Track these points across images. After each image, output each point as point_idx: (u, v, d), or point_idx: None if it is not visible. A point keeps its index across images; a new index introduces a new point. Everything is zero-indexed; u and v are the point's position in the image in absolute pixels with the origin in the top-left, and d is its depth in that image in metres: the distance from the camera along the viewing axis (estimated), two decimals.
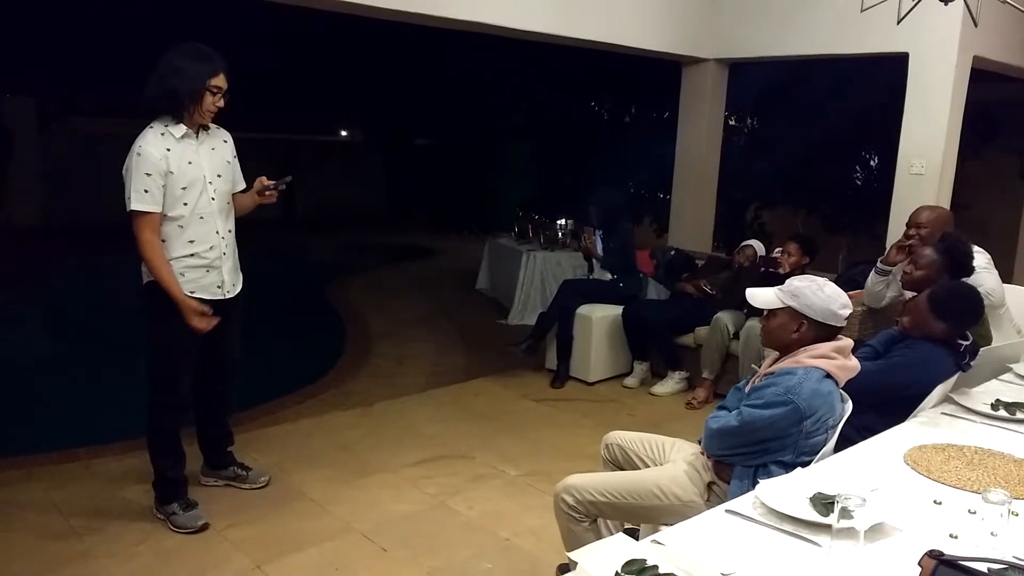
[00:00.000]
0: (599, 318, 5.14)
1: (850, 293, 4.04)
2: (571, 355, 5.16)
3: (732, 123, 9.07)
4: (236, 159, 3.20)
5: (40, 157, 11.33)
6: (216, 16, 8.59)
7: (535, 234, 7.12)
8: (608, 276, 5.42)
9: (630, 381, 5.15)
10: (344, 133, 18.10)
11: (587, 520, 2.42)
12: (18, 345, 6.23)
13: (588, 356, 5.13)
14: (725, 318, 4.80)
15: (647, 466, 2.58)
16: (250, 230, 3.68)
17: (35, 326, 7.12)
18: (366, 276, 8.85)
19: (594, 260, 5.55)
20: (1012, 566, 1.52)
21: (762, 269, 4.85)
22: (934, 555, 1.39)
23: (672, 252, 5.90)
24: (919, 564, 1.40)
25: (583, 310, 5.17)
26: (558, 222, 7.04)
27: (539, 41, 5.35)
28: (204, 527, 3.08)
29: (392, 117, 14.20)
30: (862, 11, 3.47)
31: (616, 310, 5.20)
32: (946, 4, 3.35)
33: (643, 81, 8.58)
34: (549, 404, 4.79)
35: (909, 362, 2.70)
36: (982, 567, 1.49)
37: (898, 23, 3.47)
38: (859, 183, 8.72)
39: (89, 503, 3.27)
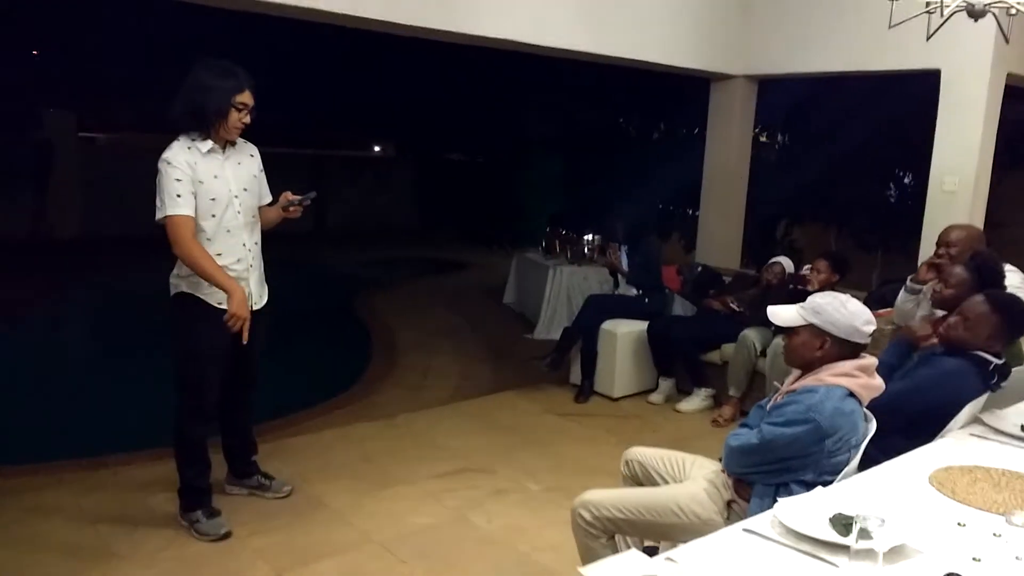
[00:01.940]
0: (624, 333, 5.12)
1: (880, 311, 4.01)
2: (595, 370, 5.14)
3: (763, 139, 9.01)
4: (263, 173, 3.25)
5: (80, 170, 11.61)
6: (250, 33, 8.77)
7: (562, 249, 7.13)
8: (634, 291, 5.40)
9: (655, 397, 5.11)
10: (377, 148, 18.33)
11: (604, 536, 2.40)
12: (54, 354, 6.37)
13: (612, 371, 5.11)
14: (752, 335, 4.76)
15: (667, 483, 2.55)
16: (280, 243, 3.74)
17: (71, 336, 7.28)
18: (395, 289, 8.92)
19: (619, 275, 5.53)
20: None
21: (790, 286, 4.81)
22: None
23: (699, 268, 5.86)
24: None
25: (608, 325, 5.16)
26: (585, 237, 7.04)
27: (569, 58, 5.37)
28: (227, 535, 3.11)
29: (424, 132, 14.36)
30: (891, 27, 3.44)
31: (641, 326, 5.18)
32: (976, 20, 3.31)
33: (673, 97, 8.56)
34: (572, 419, 4.77)
35: (935, 381, 2.64)
36: None
37: (927, 39, 3.43)
38: (892, 200, 8.60)
39: (116, 509, 3.33)
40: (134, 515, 3.28)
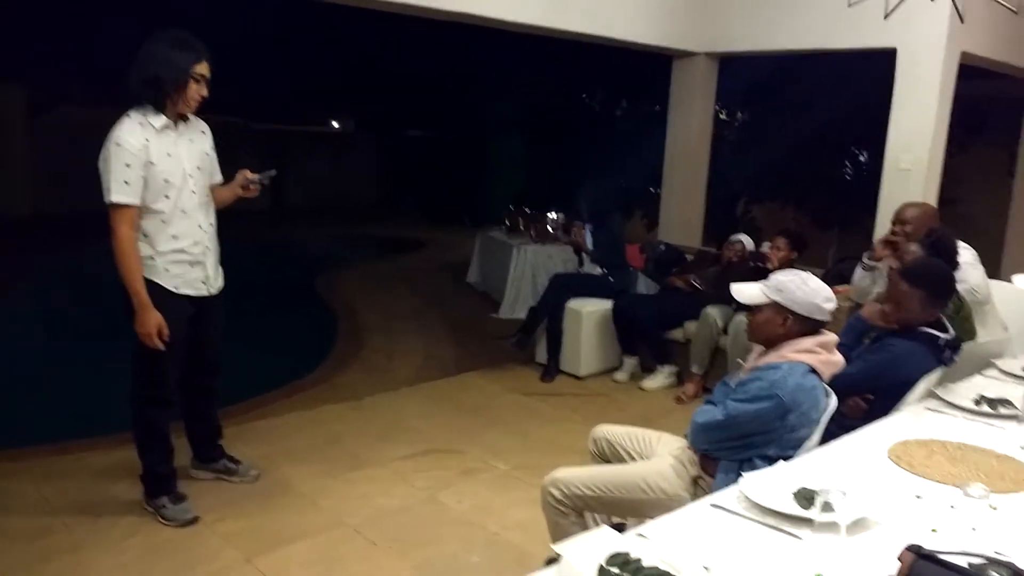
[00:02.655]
0: (589, 312, 5.16)
1: (837, 288, 4.09)
2: (561, 349, 5.18)
3: (723, 117, 9.07)
4: (214, 151, 3.16)
5: (30, 146, 11.26)
6: (208, 5, 8.56)
7: (526, 228, 7.14)
8: (598, 270, 5.43)
9: (620, 375, 5.17)
10: (336, 124, 18.06)
11: (573, 513, 2.44)
12: (8, 338, 6.21)
13: (578, 350, 5.15)
14: (714, 313, 4.83)
15: (634, 460, 2.60)
16: (238, 221, 3.66)
17: (25, 319, 7.09)
18: (357, 268, 8.85)
19: (584, 254, 5.56)
20: (991, 560, 1.54)
21: (751, 264, 4.88)
22: (913, 549, 1.41)
23: (662, 247, 5.92)
24: (898, 559, 1.42)
25: (573, 304, 5.19)
26: (549, 215, 7.06)
27: (530, 34, 5.34)
28: (194, 520, 3.09)
29: (384, 108, 14.18)
30: (850, 5, 3.51)
31: (606, 304, 5.22)
32: (933, 0, 3.38)
33: (635, 75, 8.57)
34: (539, 398, 4.81)
35: (889, 362, 2.72)
36: (962, 561, 1.51)
37: (885, 18, 3.50)
38: (849, 178, 8.75)
39: (79, 496, 3.28)
40: (98, 502, 3.23)
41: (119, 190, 2.81)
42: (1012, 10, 3.39)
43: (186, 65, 2.88)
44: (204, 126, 3.14)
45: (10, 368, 5.24)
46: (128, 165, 2.82)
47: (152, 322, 2.89)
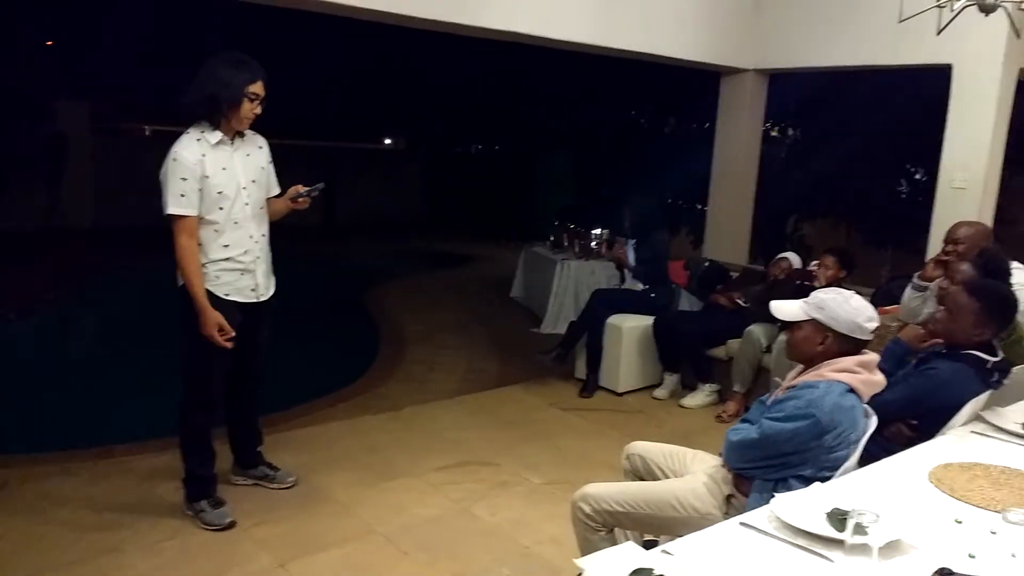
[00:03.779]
0: (629, 328, 5.12)
1: (886, 308, 3.99)
2: (601, 365, 5.15)
3: (773, 134, 8.96)
4: (271, 164, 3.27)
5: (93, 160, 11.68)
6: (262, 26, 8.80)
7: (570, 243, 7.13)
8: (640, 286, 5.39)
9: (660, 392, 5.11)
10: (388, 141, 18.35)
11: (604, 529, 2.41)
12: (65, 344, 6.43)
13: (618, 366, 5.11)
14: (758, 331, 4.75)
15: (667, 477, 2.56)
16: (290, 236, 3.74)
17: (82, 326, 7.34)
18: (404, 282, 8.94)
19: (626, 270, 5.53)
20: None
21: (797, 282, 4.78)
22: (944, 572, 1.37)
23: (706, 263, 5.85)
24: None
25: (613, 320, 5.16)
26: (593, 232, 7.04)
27: (578, 51, 5.37)
28: (231, 525, 3.14)
29: (434, 126, 14.37)
30: (900, 21, 3.43)
31: (647, 320, 5.18)
32: (986, 15, 3.29)
33: (683, 91, 8.54)
34: (577, 413, 4.78)
35: (934, 386, 2.62)
36: None
37: (938, 34, 3.41)
38: (904, 196, 8.55)
39: (122, 498, 3.36)
40: (140, 504, 3.31)
41: (176, 203, 2.94)
42: None
43: (241, 84, 2.98)
44: (262, 141, 3.25)
45: (67, 373, 5.43)
46: (184, 179, 2.94)
47: (212, 321, 3.00)
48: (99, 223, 11.41)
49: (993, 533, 1.76)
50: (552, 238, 7.40)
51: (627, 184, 8.69)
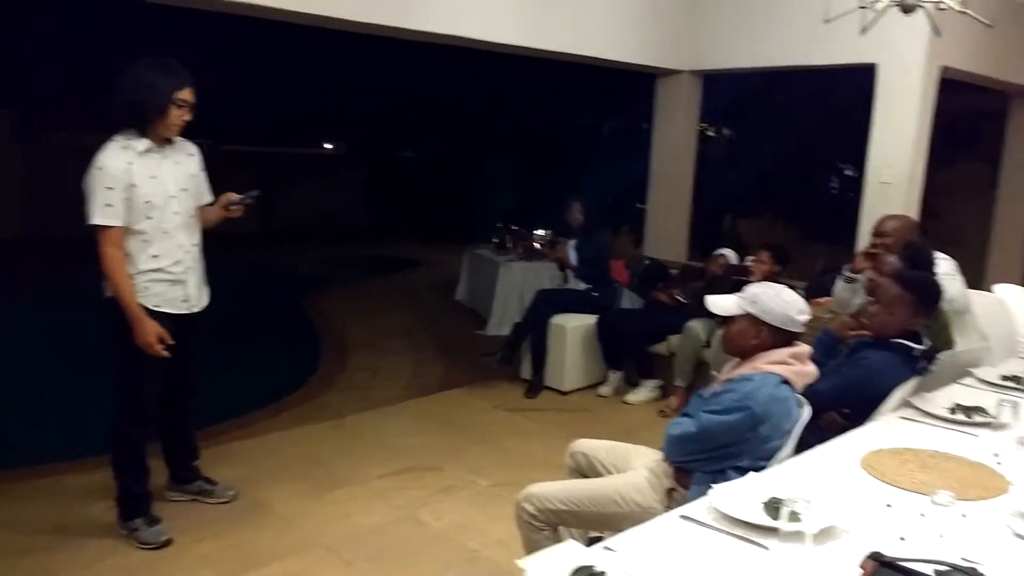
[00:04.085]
0: (573, 327, 5.15)
1: (818, 300, 4.09)
2: (545, 365, 5.16)
3: (709, 134, 9.13)
4: (203, 172, 3.19)
5: (20, 170, 11.27)
6: (196, 31, 8.59)
7: (514, 245, 7.14)
8: (582, 286, 5.43)
9: (604, 390, 5.16)
10: (328, 146, 18.11)
11: (548, 529, 2.42)
12: None
13: (562, 365, 5.13)
14: (697, 326, 4.82)
15: (610, 473, 2.58)
16: (226, 244, 3.66)
17: (9, 340, 7.04)
18: (345, 288, 8.83)
19: (568, 270, 5.56)
20: (957, 567, 1.52)
21: (734, 278, 4.87)
22: (875, 557, 1.40)
23: (647, 262, 5.93)
24: (860, 566, 1.41)
25: (557, 320, 5.18)
26: (536, 233, 7.06)
27: (516, 54, 5.38)
28: (168, 543, 3.05)
29: (375, 130, 14.25)
30: (825, 22, 3.52)
31: (590, 319, 5.21)
32: (907, 14, 3.40)
33: (622, 93, 8.64)
34: (522, 414, 4.79)
35: (864, 375, 2.70)
36: (927, 569, 1.50)
37: (861, 34, 3.52)
38: (835, 192, 8.80)
39: (54, 519, 3.24)
40: (73, 525, 3.19)
41: (101, 213, 2.85)
42: (987, 24, 3.42)
43: (168, 90, 2.91)
44: (192, 148, 3.17)
45: None
46: (110, 188, 2.84)
47: (151, 331, 2.92)
48: (27, 233, 11.00)
49: (922, 515, 1.81)
50: (495, 240, 7.40)
51: (568, 185, 8.74)
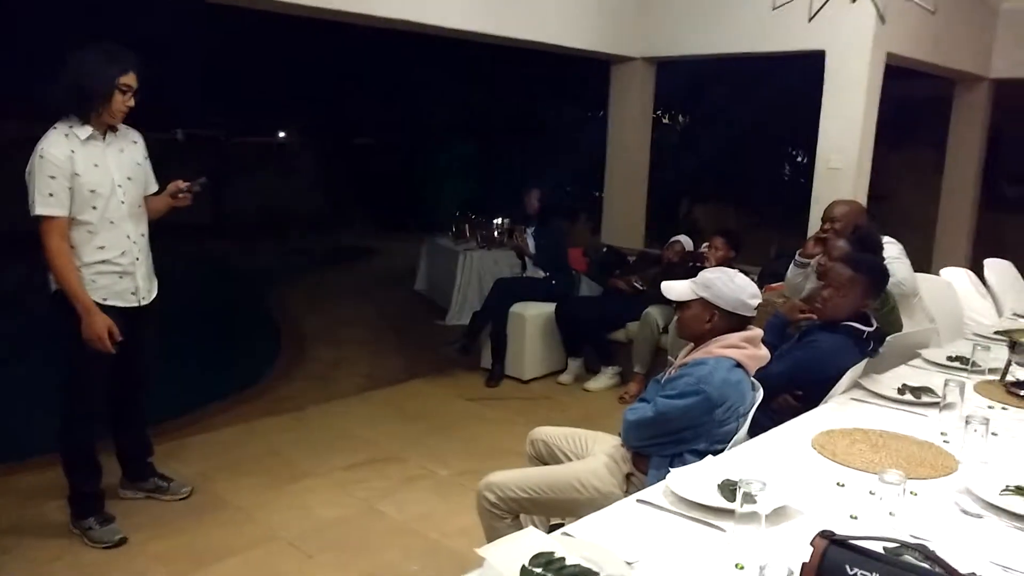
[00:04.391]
0: (532, 316, 5.16)
1: (771, 285, 4.16)
2: (506, 354, 5.17)
3: (664, 121, 9.21)
4: (148, 160, 3.11)
5: None
6: (147, 15, 8.38)
7: (472, 234, 7.12)
8: (541, 274, 5.44)
9: (564, 378, 5.19)
10: (281, 134, 17.82)
11: (510, 517, 2.43)
12: None
13: (523, 354, 5.15)
14: (655, 313, 4.87)
15: (570, 460, 2.59)
16: (177, 234, 3.58)
17: None
18: (303, 279, 8.73)
19: (527, 258, 5.57)
20: (906, 544, 1.56)
21: (690, 264, 4.93)
22: (826, 535, 1.43)
23: (604, 249, 5.97)
24: (811, 544, 1.43)
25: (516, 308, 5.19)
26: (494, 221, 7.05)
27: (471, 40, 5.35)
28: (122, 541, 2.99)
29: (330, 117, 14.06)
30: (774, 9, 3.56)
31: (549, 308, 5.23)
32: (853, 1, 3.46)
33: (578, 80, 8.66)
34: (483, 403, 4.80)
35: (815, 358, 2.75)
36: (876, 546, 1.53)
37: (809, 21, 3.57)
38: (787, 178, 8.95)
39: (4, 520, 3.16)
40: (23, 525, 3.12)
41: (44, 203, 2.77)
42: (929, 10, 3.49)
43: (112, 76, 2.84)
44: (136, 135, 3.09)
45: None
46: (52, 177, 2.77)
47: (101, 323, 2.85)
48: None
49: (872, 494, 1.85)
50: (454, 229, 7.37)
51: (525, 173, 8.75)
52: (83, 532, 3.00)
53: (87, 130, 2.86)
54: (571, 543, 1.65)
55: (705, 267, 4.59)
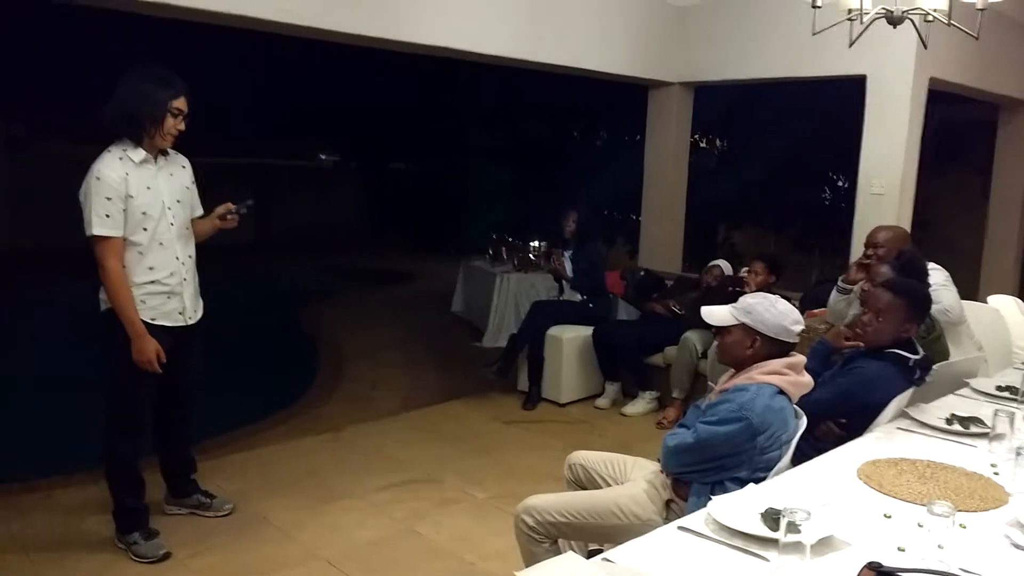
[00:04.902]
0: (569, 339, 5.16)
1: (813, 311, 4.11)
2: (542, 376, 5.17)
3: (702, 145, 9.18)
4: (195, 184, 3.20)
5: (8, 181, 11.26)
6: (189, 43, 8.60)
7: (509, 256, 7.15)
8: (578, 297, 5.44)
9: (601, 402, 5.16)
10: (323, 157, 18.13)
11: (548, 541, 2.42)
12: None
13: (559, 377, 5.14)
14: (693, 337, 4.84)
15: (609, 485, 2.58)
16: (223, 255, 3.65)
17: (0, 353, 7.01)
18: (341, 300, 8.83)
19: (564, 281, 5.57)
20: None
21: (729, 288, 4.90)
22: (873, 566, 1.41)
23: (642, 272, 5.95)
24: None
25: (553, 331, 5.19)
26: (531, 244, 7.08)
27: (508, 66, 5.41)
28: (166, 556, 3.04)
29: (370, 141, 14.28)
30: (814, 34, 3.55)
31: (586, 331, 5.22)
32: (894, 27, 3.44)
33: (616, 104, 8.69)
34: (520, 426, 4.79)
35: (860, 385, 2.70)
36: None
37: (850, 46, 3.56)
38: (828, 203, 8.85)
39: (49, 534, 3.22)
40: (68, 539, 3.18)
41: (100, 223, 2.85)
42: (973, 36, 3.45)
43: (163, 100, 2.92)
44: (184, 160, 3.18)
45: None
46: (108, 198, 2.85)
47: (151, 348, 2.93)
48: (15, 245, 10.97)
49: (920, 526, 1.82)
50: (490, 251, 7.41)
51: (562, 197, 8.78)
52: (128, 547, 3.05)
53: (140, 153, 2.94)
54: (612, 569, 1.64)
55: (744, 292, 4.55)
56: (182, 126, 3.01)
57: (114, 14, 3.91)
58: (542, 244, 6.97)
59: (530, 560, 2.41)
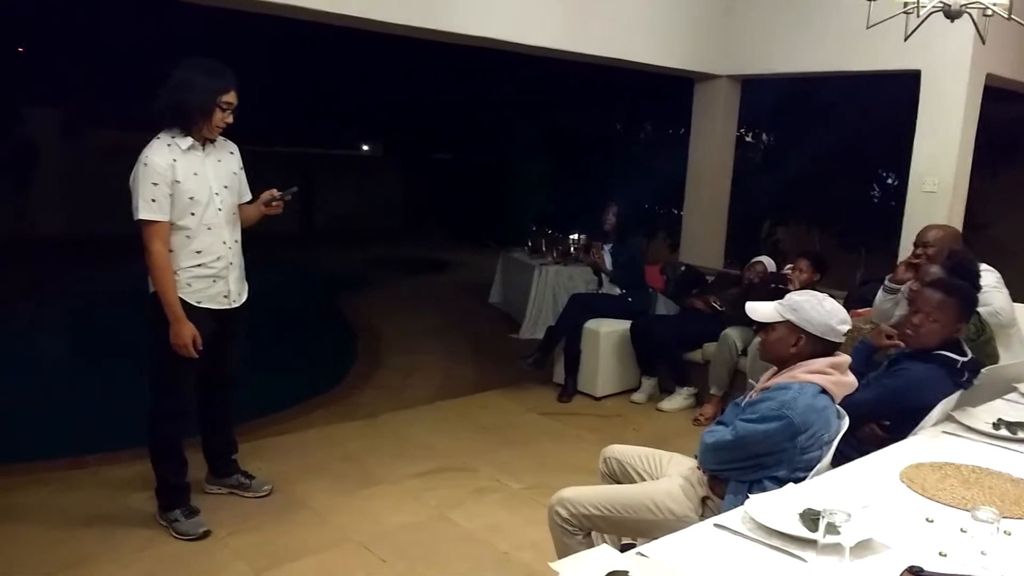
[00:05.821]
0: (607, 332, 5.13)
1: (858, 311, 4.03)
2: (579, 369, 5.16)
3: (747, 139, 9.04)
4: (243, 171, 3.25)
5: (64, 168, 11.55)
6: (237, 32, 8.74)
7: (548, 248, 7.14)
8: (617, 291, 5.41)
9: (638, 396, 5.13)
10: (365, 147, 18.29)
11: (581, 533, 2.41)
12: (35, 353, 6.33)
13: (596, 371, 5.12)
14: (733, 334, 4.78)
15: (644, 480, 2.57)
16: (267, 242, 3.71)
17: (52, 334, 7.22)
18: (381, 289, 8.91)
19: (603, 275, 5.55)
20: None
21: (772, 285, 4.82)
22: (914, 570, 1.38)
23: (683, 267, 5.88)
24: None
25: (591, 324, 5.17)
26: (571, 236, 7.05)
27: (552, 57, 5.39)
28: (206, 534, 3.10)
29: (412, 132, 14.37)
30: (868, 27, 3.47)
31: (624, 325, 5.19)
32: (952, 21, 3.34)
33: (660, 96, 8.59)
34: (555, 418, 4.79)
35: (905, 387, 2.64)
36: None
37: (905, 40, 3.46)
38: (876, 200, 8.65)
39: (94, 509, 3.31)
40: (112, 515, 3.27)
41: (147, 208, 2.92)
42: None
43: (214, 93, 2.98)
44: (233, 147, 3.23)
45: (37, 383, 5.34)
46: (155, 184, 2.91)
47: (187, 333, 2.98)
48: (70, 231, 11.27)
49: (963, 531, 1.78)
50: (530, 243, 7.40)
51: (604, 189, 8.72)
52: (169, 524, 3.13)
53: (188, 141, 3.00)
54: (645, 564, 1.64)
55: (788, 289, 4.48)
56: (230, 119, 3.06)
57: (169, 2, 3.98)
58: (582, 237, 6.94)
59: (563, 552, 2.41)
